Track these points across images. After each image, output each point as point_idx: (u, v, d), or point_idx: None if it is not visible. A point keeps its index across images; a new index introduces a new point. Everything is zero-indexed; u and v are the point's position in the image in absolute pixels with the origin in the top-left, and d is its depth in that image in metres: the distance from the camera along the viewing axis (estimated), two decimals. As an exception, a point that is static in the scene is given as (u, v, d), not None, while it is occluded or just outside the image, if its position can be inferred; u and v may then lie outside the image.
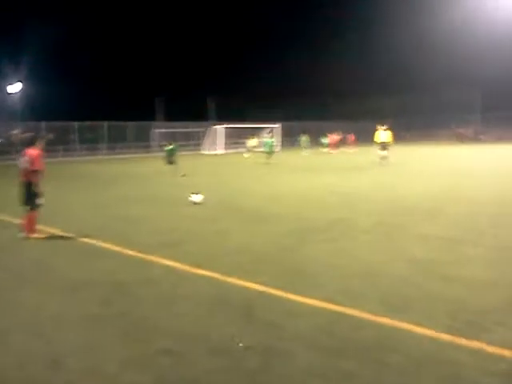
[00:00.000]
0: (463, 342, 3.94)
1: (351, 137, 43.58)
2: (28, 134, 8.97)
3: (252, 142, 38.02)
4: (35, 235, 8.45)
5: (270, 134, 31.84)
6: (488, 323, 4.29)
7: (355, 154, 35.77)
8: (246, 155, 35.78)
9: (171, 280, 5.83)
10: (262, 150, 28.84)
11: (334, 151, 38.81)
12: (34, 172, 8.34)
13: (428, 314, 4.50)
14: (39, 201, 8.42)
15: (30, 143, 8.70)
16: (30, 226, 8.45)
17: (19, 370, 3.78)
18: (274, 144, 29.59)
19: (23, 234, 8.43)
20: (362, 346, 3.94)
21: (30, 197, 8.36)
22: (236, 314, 4.70)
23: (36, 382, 3.60)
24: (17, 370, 3.77)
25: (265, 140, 29.22)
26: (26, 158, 8.35)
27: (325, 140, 41.19)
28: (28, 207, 8.41)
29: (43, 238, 8.41)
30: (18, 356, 4.00)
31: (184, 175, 20.14)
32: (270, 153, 27.55)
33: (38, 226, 8.65)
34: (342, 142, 41.88)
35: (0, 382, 3.63)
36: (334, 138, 40.75)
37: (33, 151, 8.44)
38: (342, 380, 3.44)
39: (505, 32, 59.12)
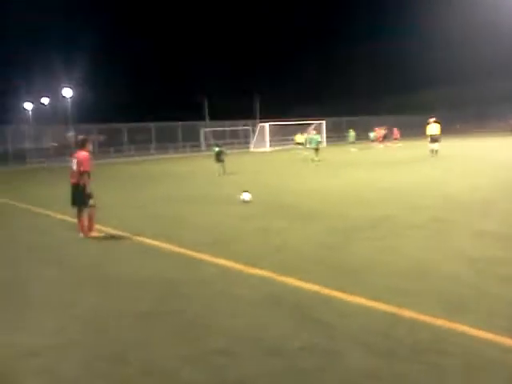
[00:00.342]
0: (525, 347, 3.78)
1: (396, 131, 42.45)
2: (79, 137, 9.27)
3: (299, 139, 37.87)
4: (93, 234, 8.77)
5: (316, 130, 30.21)
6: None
7: (401, 148, 35.18)
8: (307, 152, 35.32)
9: (224, 279, 5.91)
10: (308, 146, 27.63)
11: (381, 145, 38.41)
12: (83, 173, 8.57)
13: (487, 317, 4.35)
14: (91, 202, 8.67)
15: (80, 145, 8.95)
16: (89, 226, 8.77)
17: (81, 364, 3.95)
18: (320, 140, 28.58)
19: (81, 235, 8.75)
20: (419, 348, 3.85)
21: (81, 198, 8.62)
22: (289, 313, 4.71)
23: (98, 376, 3.75)
24: (79, 365, 3.94)
25: (310, 136, 28.13)
26: (76, 160, 8.61)
27: (372, 134, 40.60)
28: (80, 208, 8.71)
29: (99, 237, 8.71)
30: (80, 352, 4.17)
31: (224, 173, 20.49)
32: (317, 149, 26.49)
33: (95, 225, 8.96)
34: (387, 137, 41.05)
35: (63, 374, 3.80)
36: (380, 132, 40.18)
37: (82, 153, 8.68)
38: (397, 383, 3.39)
39: None
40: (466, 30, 69.17)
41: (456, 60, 71.32)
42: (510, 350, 3.75)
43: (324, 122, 49.42)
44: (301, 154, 30.80)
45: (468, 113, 67.65)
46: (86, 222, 8.78)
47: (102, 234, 8.87)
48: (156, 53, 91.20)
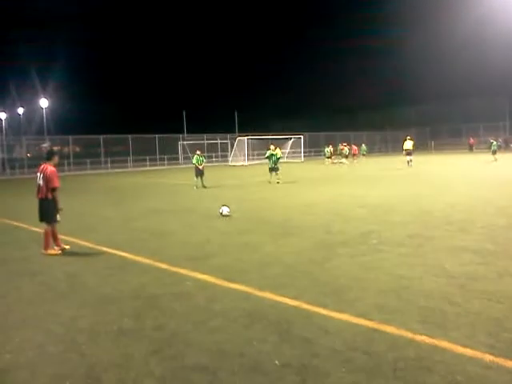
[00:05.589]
0: (508, 363, 3.77)
1: (354, 148, 42.53)
2: (44, 148, 8.91)
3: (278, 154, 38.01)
4: (52, 251, 8.42)
5: (274, 145, 23.31)
6: (533, 343, 4.10)
7: (374, 163, 36.18)
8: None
9: (204, 294, 5.81)
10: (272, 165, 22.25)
11: (339, 161, 39.51)
12: (54, 190, 8.34)
13: (468, 333, 4.35)
14: (56, 217, 8.43)
15: (46, 158, 8.67)
16: (47, 242, 8.44)
17: (56, 382, 3.80)
18: (280, 157, 23.00)
19: (43, 251, 8.44)
20: (401, 365, 3.82)
21: (49, 213, 8.37)
22: (271, 329, 4.64)
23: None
24: (53, 383, 3.80)
25: (269, 152, 22.49)
26: (43, 175, 8.34)
27: (327, 150, 40.76)
28: (45, 223, 8.43)
29: (71, 253, 8.51)
30: (54, 368, 4.03)
31: (202, 186, 20.55)
32: (275, 168, 22.04)
33: (70, 239, 8.71)
34: (342, 154, 41.44)
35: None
36: (344, 148, 40.60)
37: (49, 168, 8.39)
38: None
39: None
40: (444, 48, 70.97)
41: (432, 78, 72.95)
42: (492, 366, 3.75)
43: (302, 137, 49.83)
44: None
45: (442, 130, 69.25)
46: (47, 238, 8.43)
47: (66, 249, 8.54)
48: (134, 64, 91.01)
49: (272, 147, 22.73)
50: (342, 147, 41.23)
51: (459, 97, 67.33)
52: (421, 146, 59.51)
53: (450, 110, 68.62)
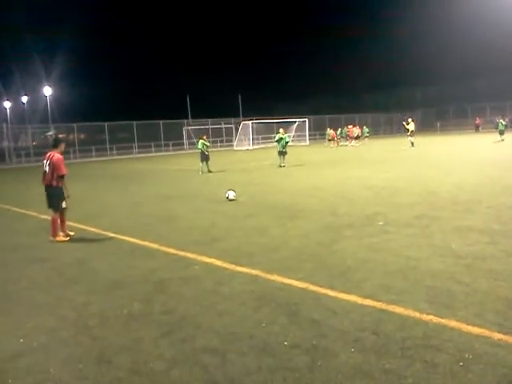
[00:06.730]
0: (517, 341, 3.79)
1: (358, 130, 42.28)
2: (49, 136, 8.95)
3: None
4: (60, 238, 8.51)
5: (283, 129, 23.25)
6: (541, 321, 4.12)
7: (368, 146, 36.64)
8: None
9: (212, 277, 5.86)
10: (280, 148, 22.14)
11: (336, 145, 39.67)
12: (61, 177, 8.40)
13: (476, 312, 4.37)
14: (63, 204, 8.48)
15: (52, 146, 8.71)
16: (55, 229, 8.50)
17: (68, 365, 3.86)
18: (289, 141, 23.00)
19: (51, 238, 8.51)
20: (409, 344, 3.85)
21: (53, 200, 8.43)
22: (279, 311, 4.68)
23: (86, 378, 3.66)
24: (66, 366, 3.85)
25: (278, 136, 22.40)
26: (49, 162, 8.39)
27: (329, 133, 41.11)
28: (52, 210, 8.50)
29: (80, 239, 8.58)
30: (67, 352, 4.09)
31: (210, 171, 20.48)
32: (284, 152, 22.07)
33: (78, 226, 8.77)
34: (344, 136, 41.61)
35: (51, 376, 3.71)
36: (352, 130, 40.65)
37: (56, 156, 8.43)
38: (387, 380, 3.37)
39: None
40: (447, 29, 70.10)
41: (437, 59, 72.29)
42: (500, 344, 3.76)
43: (306, 120, 49.57)
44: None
45: (448, 111, 68.67)
46: (54, 225, 8.49)
47: (71, 236, 8.63)
48: (138, 50, 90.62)
49: (281, 130, 22.79)
50: (349, 129, 41.16)
51: (465, 77, 66.61)
52: (426, 127, 59.16)
53: (456, 90, 67.87)
